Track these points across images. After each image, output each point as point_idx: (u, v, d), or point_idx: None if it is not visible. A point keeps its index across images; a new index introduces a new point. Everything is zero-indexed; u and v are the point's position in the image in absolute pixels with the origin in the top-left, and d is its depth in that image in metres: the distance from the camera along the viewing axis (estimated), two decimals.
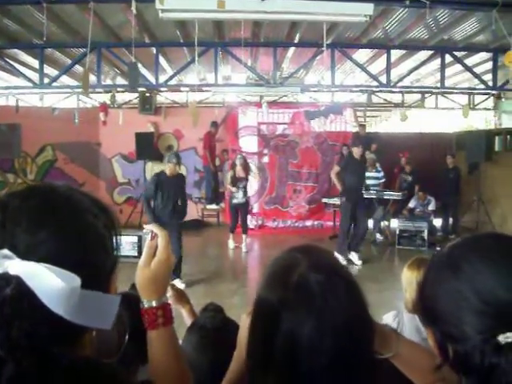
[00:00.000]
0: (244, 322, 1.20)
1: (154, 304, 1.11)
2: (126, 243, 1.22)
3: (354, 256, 9.16)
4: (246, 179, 9.99)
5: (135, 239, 1.22)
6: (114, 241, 0.89)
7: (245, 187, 9.97)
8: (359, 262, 9.04)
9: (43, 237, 0.77)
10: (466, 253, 0.86)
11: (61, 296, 0.74)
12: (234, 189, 9.86)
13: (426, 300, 0.90)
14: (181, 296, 2.07)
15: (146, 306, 1.12)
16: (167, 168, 7.47)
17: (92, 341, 0.84)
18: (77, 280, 0.75)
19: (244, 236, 10.19)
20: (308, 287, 0.96)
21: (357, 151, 9.09)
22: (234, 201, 10.02)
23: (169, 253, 1.14)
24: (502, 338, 0.75)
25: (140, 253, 1.17)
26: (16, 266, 0.74)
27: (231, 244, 10.42)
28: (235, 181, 9.85)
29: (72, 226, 0.81)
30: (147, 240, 1.16)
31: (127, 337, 1.02)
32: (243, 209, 10.17)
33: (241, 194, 9.91)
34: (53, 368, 0.71)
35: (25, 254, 0.75)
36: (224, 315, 2.03)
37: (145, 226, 1.20)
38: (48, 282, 0.73)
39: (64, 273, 0.74)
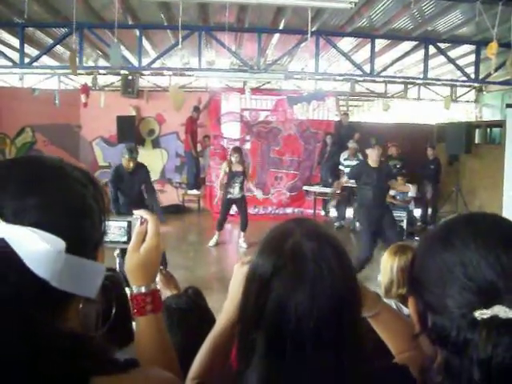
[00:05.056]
0: (237, 271, 1.22)
1: (143, 290, 1.12)
2: (115, 228, 1.20)
3: None
4: (243, 174, 9.14)
5: (124, 224, 1.21)
6: (102, 215, 0.88)
7: (241, 182, 9.17)
8: None
9: (30, 202, 0.76)
10: (460, 228, 0.88)
11: (46, 259, 0.73)
12: (222, 187, 9.21)
13: (415, 269, 0.92)
14: (169, 280, 2.07)
15: (134, 291, 1.11)
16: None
17: (78, 314, 0.83)
18: (62, 244, 0.75)
19: (242, 233, 9.45)
20: (302, 254, 1.00)
21: (373, 154, 6.83)
22: (229, 196, 9.20)
23: (158, 239, 1.14)
24: (478, 314, 0.77)
25: (129, 238, 1.16)
26: (0, 230, 0.73)
27: (214, 241, 9.42)
28: (232, 176, 9.05)
29: (60, 193, 0.80)
30: (137, 225, 1.16)
31: (113, 312, 1.01)
32: (240, 204, 9.39)
33: (237, 190, 9.15)
34: (35, 334, 0.70)
35: (11, 219, 0.74)
36: (194, 297, 2.03)
37: (134, 211, 1.19)
38: (33, 245, 0.72)
39: (49, 237, 0.74)
